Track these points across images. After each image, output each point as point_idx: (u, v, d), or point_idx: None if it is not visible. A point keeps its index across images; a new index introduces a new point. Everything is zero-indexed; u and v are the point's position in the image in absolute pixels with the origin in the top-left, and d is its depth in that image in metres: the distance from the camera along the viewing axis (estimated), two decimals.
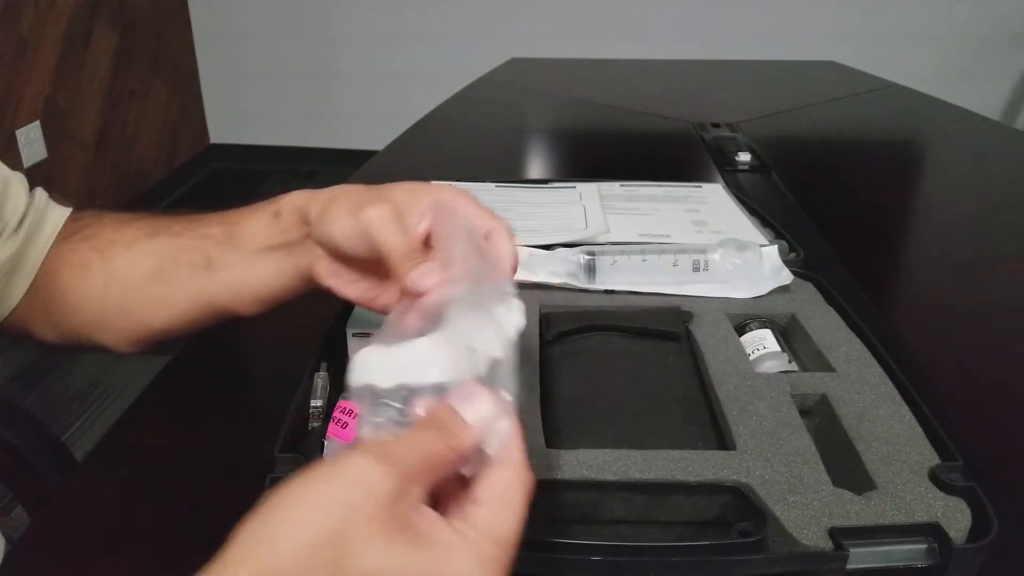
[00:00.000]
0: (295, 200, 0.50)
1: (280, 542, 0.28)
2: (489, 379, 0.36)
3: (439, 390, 0.35)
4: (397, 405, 0.35)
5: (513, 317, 0.39)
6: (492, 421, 0.34)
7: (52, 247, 0.57)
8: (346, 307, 0.60)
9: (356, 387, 0.36)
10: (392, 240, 0.42)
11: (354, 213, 0.44)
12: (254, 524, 0.29)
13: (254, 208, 0.52)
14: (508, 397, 0.35)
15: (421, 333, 0.37)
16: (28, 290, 0.56)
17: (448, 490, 0.34)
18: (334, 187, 0.48)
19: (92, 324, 0.56)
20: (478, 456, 0.34)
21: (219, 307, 0.53)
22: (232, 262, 0.52)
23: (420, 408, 0.35)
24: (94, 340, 0.56)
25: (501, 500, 0.32)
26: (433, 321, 0.38)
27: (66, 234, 0.57)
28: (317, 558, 0.28)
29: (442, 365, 0.36)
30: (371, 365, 0.37)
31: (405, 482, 0.30)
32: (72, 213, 0.59)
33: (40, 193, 0.59)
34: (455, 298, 0.39)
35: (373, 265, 0.47)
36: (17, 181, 0.57)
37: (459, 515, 0.32)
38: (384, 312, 0.49)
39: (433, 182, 0.48)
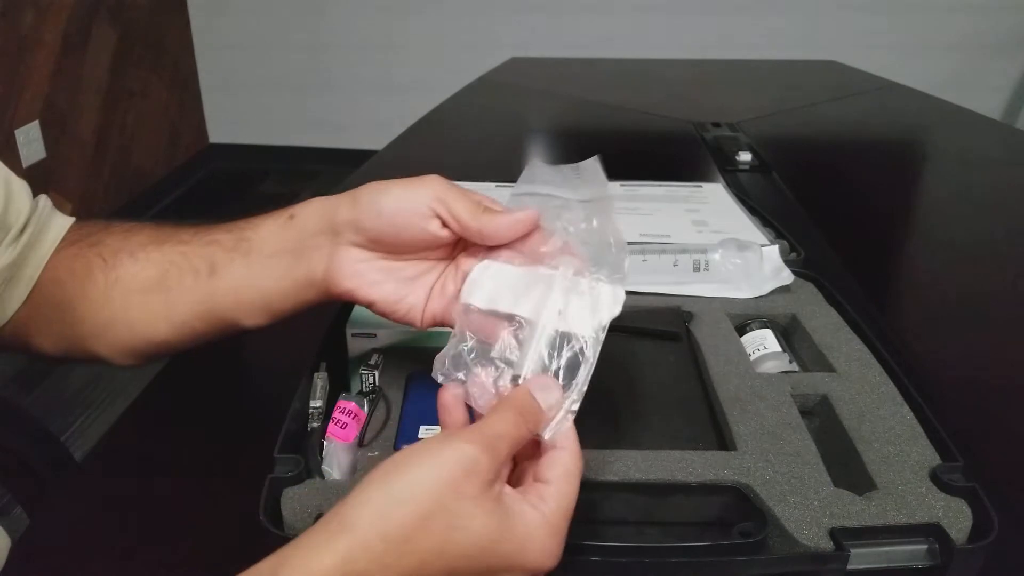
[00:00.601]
0: (314, 203, 0.49)
1: (401, 512, 0.34)
2: (560, 340, 0.42)
3: (521, 322, 0.43)
4: (470, 356, 0.43)
5: (613, 305, 0.43)
6: (557, 409, 0.40)
7: (54, 254, 0.56)
8: (345, 307, 0.60)
9: (462, 303, 0.45)
10: (470, 197, 0.46)
11: (406, 186, 0.46)
12: (375, 495, 0.34)
13: (268, 214, 0.51)
14: (581, 380, 0.41)
15: (535, 257, 0.45)
16: (28, 298, 0.55)
17: None
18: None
19: (93, 334, 0.54)
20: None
21: (221, 317, 0.51)
22: (238, 267, 0.50)
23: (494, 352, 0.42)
24: (94, 352, 0.54)
25: (564, 479, 0.38)
26: (549, 256, 0.45)
27: (70, 241, 0.56)
28: (431, 526, 0.34)
29: (529, 307, 0.43)
30: (481, 285, 0.45)
31: (499, 465, 0.36)
32: (78, 221, 0.58)
33: (44, 200, 0.58)
34: (578, 255, 0.44)
35: (402, 257, 0.48)
36: (21, 187, 0.56)
37: (535, 493, 0.38)
38: (404, 322, 0.49)
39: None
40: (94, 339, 0.54)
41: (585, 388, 0.41)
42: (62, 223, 0.57)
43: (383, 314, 0.49)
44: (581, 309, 0.43)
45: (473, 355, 0.43)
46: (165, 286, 0.52)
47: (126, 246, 0.54)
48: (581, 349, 0.42)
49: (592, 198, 0.48)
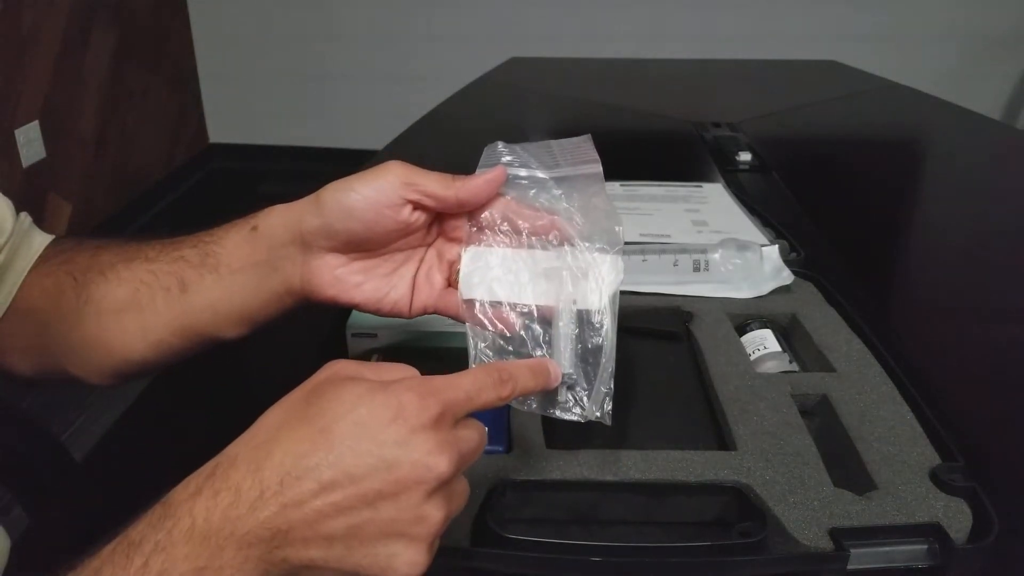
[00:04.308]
0: (276, 212, 0.48)
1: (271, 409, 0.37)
2: (581, 322, 0.43)
3: (538, 310, 0.44)
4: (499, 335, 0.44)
5: (615, 274, 0.44)
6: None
7: (30, 273, 0.54)
8: (345, 308, 0.60)
9: (466, 300, 0.45)
10: (435, 175, 0.45)
11: (369, 179, 0.45)
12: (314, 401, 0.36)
13: (229, 226, 0.49)
14: (607, 354, 0.42)
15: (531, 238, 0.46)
16: (4, 317, 0.53)
17: None
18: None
19: (68, 354, 0.52)
20: None
21: (199, 332, 0.50)
22: (208, 284, 0.49)
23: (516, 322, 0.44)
24: (69, 372, 0.53)
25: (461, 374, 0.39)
26: (547, 236, 0.46)
27: (44, 259, 0.55)
28: (291, 402, 0.38)
29: (536, 293, 0.44)
30: (479, 276, 0.46)
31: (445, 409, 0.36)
32: (56, 239, 0.57)
33: (25, 217, 0.57)
34: (569, 236, 0.45)
35: (378, 253, 0.48)
36: (5, 205, 0.56)
37: None
38: (392, 315, 0.49)
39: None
40: (69, 359, 0.53)
41: (613, 364, 0.42)
42: (41, 240, 0.56)
43: (370, 312, 0.49)
44: (587, 284, 0.44)
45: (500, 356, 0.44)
46: (138, 305, 0.50)
47: (95, 264, 0.52)
48: (600, 326, 0.43)
49: (571, 174, 0.48)
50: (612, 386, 0.42)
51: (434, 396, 0.35)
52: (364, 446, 0.34)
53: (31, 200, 2.25)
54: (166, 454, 0.58)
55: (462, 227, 0.48)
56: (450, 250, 0.48)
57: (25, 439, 0.73)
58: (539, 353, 0.43)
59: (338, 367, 0.38)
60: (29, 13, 2.19)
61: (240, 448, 0.35)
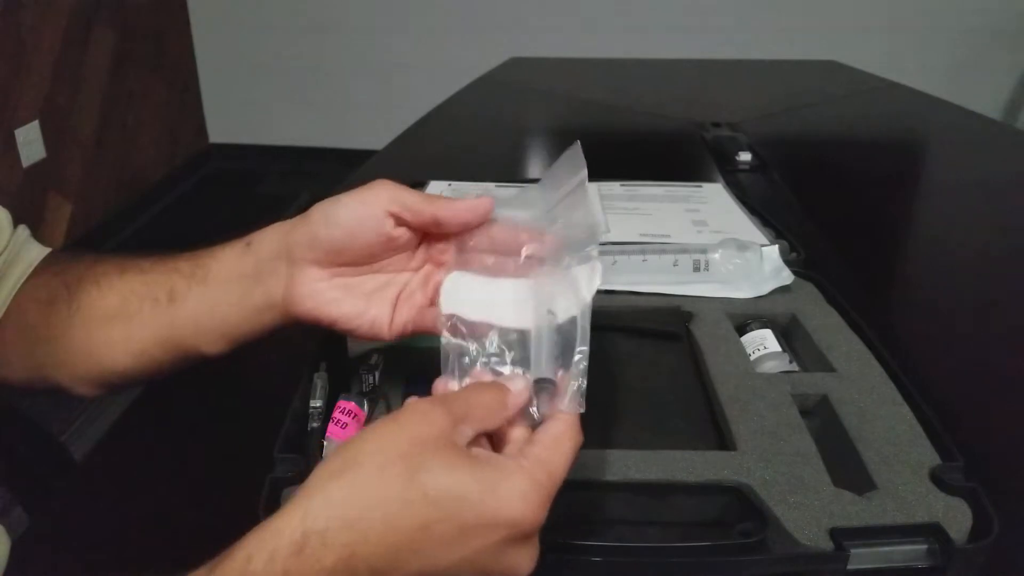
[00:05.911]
0: (270, 229, 0.49)
1: (362, 464, 0.34)
2: (560, 334, 0.42)
3: (516, 333, 0.43)
4: (475, 347, 0.43)
5: (592, 280, 0.43)
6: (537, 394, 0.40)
7: (24, 284, 0.54)
8: None
9: (445, 314, 0.44)
10: (420, 194, 0.46)
11: (357, 194, 0.46)
12: (333, 463, 0.35)
13: (226, 243, 0.50)
14: (579, 356, 0.41)
15: (506, 272, 0.46)
16: None
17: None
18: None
19: (55, 363, 0.53)
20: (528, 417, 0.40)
21: (180, 344, 0.50)
22: (195, 295, 0.49)
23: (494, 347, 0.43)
24: (56, 381, 0.53)
25: (554, 443, 0.38)
26: (521, 266, 0.46)
27: (39, 270, 0.55)
28: (392, 474, 0.34)
29: (521, 315, 0.43)
30: (460, 296, 0.45)
31: (456, 419, 0.36)
32: (53, 252, 0.57)
33: (23, 230, 0.57)
34: (544, 254, 0.45)
35: (361, 270, 0.48)
36: (3, 215, 0.56)
37: (516, 450, 0.38)
38: (370, 337, 0.49)
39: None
40: (56, 368, 0.53)
41: (586, 363, 0.41)
42: (37, 253, 0.56)
43: (347, 332, 0.49)
44: (567, 299, 0.43)
45: (477, 365, 0.42)
46: (126, 314, 0.50)
47: (90, 274, 0.53)
48: (573, 325, 0.42)
49: (563, 195, 0.48)
50: (584, 382, 0.41)
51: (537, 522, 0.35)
52: (460, 555, 0.34)
53: (31, 200, 2.25)
54: (166, 454, 0.58)
55: (449, 252, 0.48)
56: (436, 275, 0.49)
57: (25, 439, 0.73)
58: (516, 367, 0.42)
59: (437, 423, 0.36)
60: (29, 13, 2.20)
61: (331, 521, 0.33)
